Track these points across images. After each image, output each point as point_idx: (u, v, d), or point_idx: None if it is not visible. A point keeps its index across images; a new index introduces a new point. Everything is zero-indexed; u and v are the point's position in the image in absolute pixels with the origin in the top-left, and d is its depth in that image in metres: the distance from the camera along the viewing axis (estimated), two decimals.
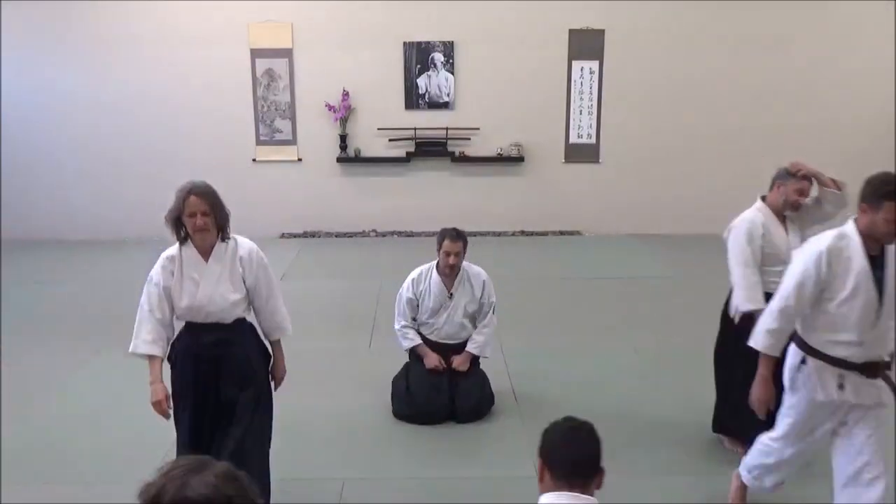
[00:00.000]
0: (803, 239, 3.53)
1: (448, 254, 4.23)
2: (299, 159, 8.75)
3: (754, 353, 3.14)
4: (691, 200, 8.90)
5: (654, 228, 8.89)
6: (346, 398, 4.59)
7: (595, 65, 8.61)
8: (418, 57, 8.54)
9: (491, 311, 4.41)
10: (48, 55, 8.40)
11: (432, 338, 4.40)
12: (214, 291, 3.18)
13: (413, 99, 8.63)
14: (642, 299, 6.60)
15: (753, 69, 8.59)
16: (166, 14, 8.35)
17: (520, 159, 8.73)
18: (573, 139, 8.78)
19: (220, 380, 3.24)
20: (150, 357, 3.19)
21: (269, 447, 3.41)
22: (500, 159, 8.73)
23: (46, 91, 8.47)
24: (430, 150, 8.67)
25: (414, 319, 4.42)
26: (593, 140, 8.79)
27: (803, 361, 3.02)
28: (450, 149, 8.67)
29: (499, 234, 8.91)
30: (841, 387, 2.95)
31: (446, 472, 3.80)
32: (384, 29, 8.46)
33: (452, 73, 8.58)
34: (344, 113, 8.51)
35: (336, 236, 8.89)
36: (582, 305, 6.49)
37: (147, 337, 3.19)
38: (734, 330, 3.77)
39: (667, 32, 8.52)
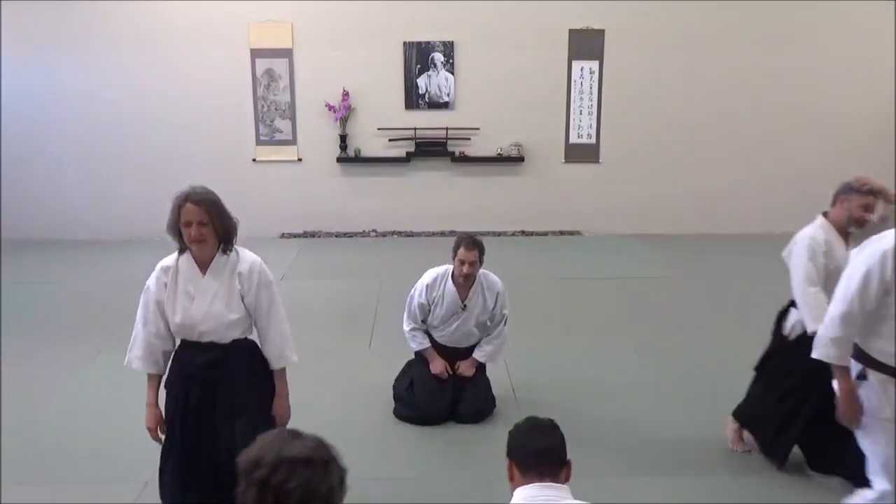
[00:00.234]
0: None
1: (463, 262, 4.05)
2: (299, 159, 8.75)
3: (808, 370, 2.97)
4: (691, 200, 8.91)
5: (654, 228, 8.89)
6: (345, 398, 4.59)
7: (595, 65, 8.61)
8: (418, 57, 8.54)
9: (503, 323, 4.28)
10: (48, 55, 8.41)
11: (440, 341, 4.34)
12: (209, 309, 2.92)
13: (413, 99, 8.63)
14: (642, 299, 6.60)
15: (753, 69, 8.59)
16: (166, 14, 8.35)
17: (520, 159, 8.73)
18: (573, 139, 8.78)
19: (215, 411, 2.98)
20: (147, 374, 3.02)
21: None
22: (500, 159, 8.73)
23: (46, 91, 8.47)
24: (430, 150, 8.67)
25: (423, 321, 4.32)
26: (593, 140, 8.79)
27: (863, 376, 2.72)
28: (450, 149, 8.67)
29: (499, 234, 8.91)
30: None
31: (446, 472, 3.81)
32: (384, 29, 8.46)
33: (452, 73, 8.58)
34: (344, 113, 8.51)
35: (336, 236, 8.89)
36: (582, 305, 6.49)
37: (139, 352, 3.00)
38: (787, 346, 3.68)
39: (667, 32, 8.52)
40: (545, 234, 8.95)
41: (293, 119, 8.65)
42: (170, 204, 2.92)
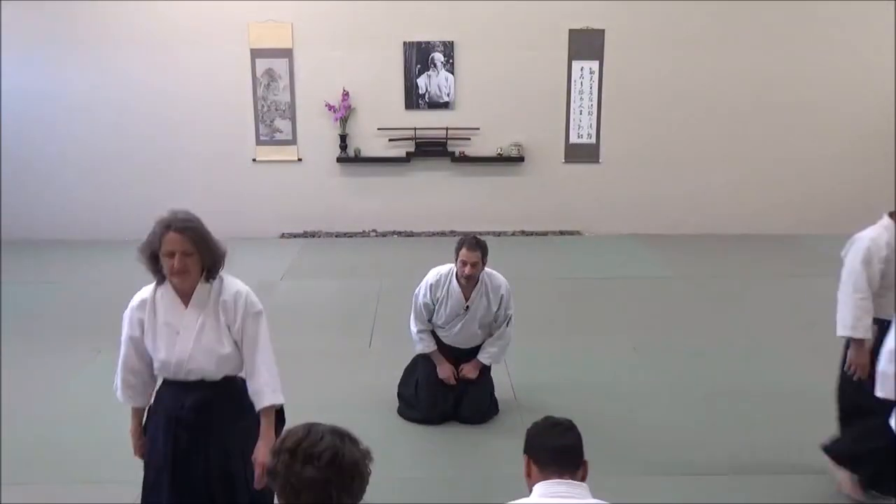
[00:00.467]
0: None
1: (465, 263, 3.99)
2: (299, 159, 8.75)
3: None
4: (691, 200, 8.91)
5: (654, 228, 8.89)
6: (346, 398, 4.58)
7: (595, 65, 8.61)
8: (418, 57, 8.53)
9: (506, 324, 4.23)
10: (48, 55, 8.41)
11: (445, 341, 4.31)
12: (198, 343, 2.61)
13: (413, 99, 8.62)
14: (642, 299, 6.60)
15: (753, 69, 8.59)
16: (166, 14, 8.35)
17: (520, 159, 8.73)
18: (573, 139, 8.78)
19: (208, 459, 2.66)
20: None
21: None
22: (500, 159, 8.73)
23: (46, 91, 8.47)
24: (430, 150, 8.67)
25: (429, 321, 4.27)
26: (593, 140, 8.79)
27: None
28: (450, 149, 8.67)
29: (499, 234, 8.91)
30: None
31: (448, 472, 3.80)
32: (384, 29, 8.46)
33: (452, 73, 8.58)
34: (344, 113, 8.51)
35: (336, 236, 8.89)
36: (582, 305, 6.49)
37: (119, 384, 2.75)
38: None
39: (667, 32, 8.52)
40: (545, 234, 8.95)
41: (293, 119, 8.65)
42: (156, 219, 2.68)
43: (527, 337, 5.58)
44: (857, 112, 8.68)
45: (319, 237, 8.87)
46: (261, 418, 2.68)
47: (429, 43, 8.52)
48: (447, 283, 4.15)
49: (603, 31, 8.54)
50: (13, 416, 4.33)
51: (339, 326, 5.97)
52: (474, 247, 4.01)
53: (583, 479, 2.18)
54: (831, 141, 8.78)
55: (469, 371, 4.28)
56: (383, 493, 3.59)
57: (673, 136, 8.76)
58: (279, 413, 2.75)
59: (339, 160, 8.70)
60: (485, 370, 4.35)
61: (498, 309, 4.18)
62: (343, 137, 8.62)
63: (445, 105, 8.64)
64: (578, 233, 8.98)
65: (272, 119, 8.65)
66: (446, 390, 4.25)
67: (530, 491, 2.17)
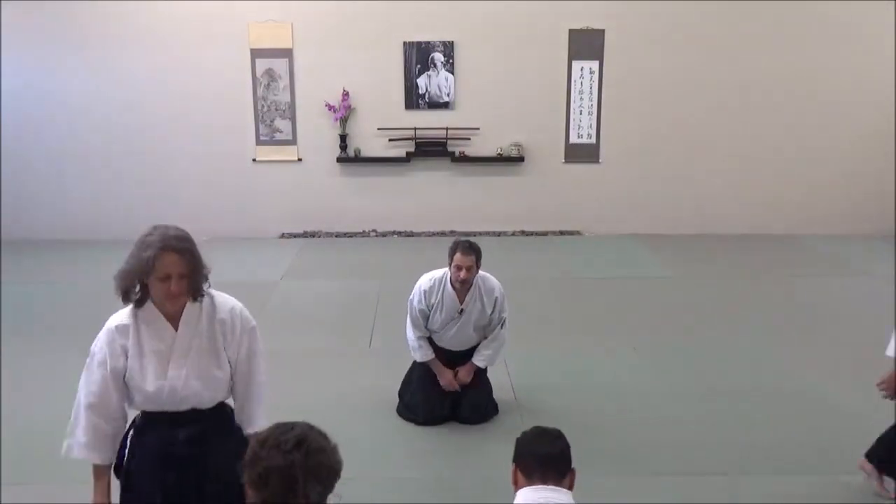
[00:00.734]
0: None
1: (459, 267, 3.97)
2: (299, 159, 8.75)
3: None
4: (691, 200, 8.91)
5: (654, 228, 8.90)
6: (346, 398, 4.58)
7: (595, 65, 8.61)
8: (418, 57, 8.54)
9: (500, 326, 4.22)
10: (48, 55, 8.41)
11: (440, 344, 4.30)
12: (192, 368, 2.37)
13: (413, 99, 8.63)
14: (642, 299, 6.60)
15: (753, 69, 8.59)
16: (166, 14, 8.35)
17: (520, 159, 8.73)
18: (573, 139, 8.78)
19: (202, 495, 2.42)
20: (94, 465, 2.40)
21: None
22: (500, 159, 8.73)
23: (46, 91, 8.47)
24: (430, 150, 8.67)
25: (425, 327, 4.26)
26: (593, 140, 8.79)
27: None
28: (450, 149, 8.67)
29: (499, 234, 8.91)
30: None
31: (446, 472, 3.80)
32: (384, 29, 8.46)
33: (452, 73, 8.58)
34: (344, 113, 8.51)
35: (336, 236, 8.89)
36: (582, 305, 6.49)
37: (83, 438, 2.37)
38: None
39: (667, 32, 8.52)
40: (545, 234, 8.95)
41: (293, 119, 8.65)
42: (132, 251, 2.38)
43: (527, 337, 5.59)
44: (857, 112, 8.68)
45: (319, 237, 8.87)
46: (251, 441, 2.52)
47: (429, 43, 8.53)
48: (441, 288, 4.12)
49: (603, 31, 8.54)
50: (13, 416, 4.33)
51: (339, 326, 5.97)
52: (468, 251, 3.99)
53: (569, 488, 2.19)
54: (832, 141, 8.78)
55: (465, 375, 4.27)
56: (383, 493, 3.61)
57: (673, 136, 8.76)
58: None
59: (339, 160, 8.70)
60: (481, 371, 4.34)
61: (492, 312, 4.17)
62: (343, 137, 8.62)
63: (445, 105, 8.64)
64: (578, 233, 8.98)
65: (272, 119, 8.66)
66: (443, 396, 4.25)
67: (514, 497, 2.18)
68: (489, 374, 4.48)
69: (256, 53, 8.50)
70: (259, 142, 8.71)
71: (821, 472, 3.76)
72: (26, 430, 4.19)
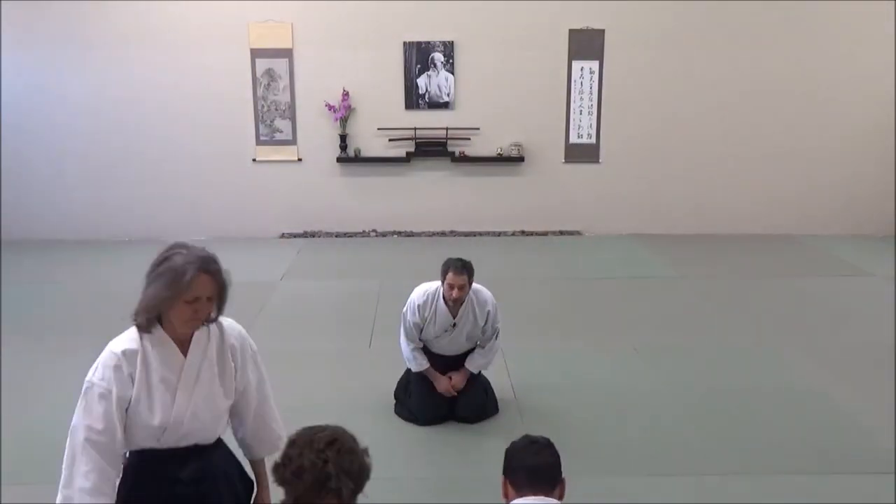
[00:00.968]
0: None
1: (452, 287, 4.01)
2: (299, 159, 8.75)
3: None
4: (691, 200, 8.91)
5: (654, 228, 8.90)
6: (346, 398, 4.58)
7: (595, 65, 8.61)
8: (418, 57, 8.54)
9: (494, 337, 4.27)
10: (48, 55, 8.41)
11: (431, 349, 4.33)
12: (199, 398, 2.17)
13: (413, 99, 8.63)
14: (642, 299, 6.60)
15: (753, 69, 8.59)
16: (166, 14, 8.35)
17: (520, 159, 8.73)
18: (573, 139, 8.78)
19: None
20: None
21: None
22: (500, 159, 8.73)
23: (46, 91, 8.47)
24: (430, 150, 8.67)
25: (420, 340, 4.30)
26: (593, 140, 8.79)
27: None
28: (450, 149, 8.67)
29: (499, 234, 8.91)
30: None
31: (446, 472, 3.80)
32: (384, 29, 8.46)
33: (452, 73, 8.58)
34: (344, 113, 8.51)
35: (336, 236, 8.89)
36: (582, 305, 6.49)
37: (85, 483, 2.07)
38: None
39: (667, 32, 8.52)
40: (545, 234, 8.95)
41: (293, 119, 8.65)
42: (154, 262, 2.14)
43: (527, 337, 5.59)
44: (857, 112, 8.68)
45: (319, 237, 8.87)
46: (257, 469, 2.42)
47: (429, 43, 8.53)
48: (434, 303, 4.15)
49: (603, 31, 8.54)
50: (13, 416, 4.33)
51: (339, 326, 5.97)
52: (461, 270, 4.01)
53: (560, 498, 2.18)
54: (832, 141, 8.78)
55: (459, 381, 4.29)
56: (382, 493, 3.60)
57: (673, 136, 8.76)
58: None
59: (339, 160, 8.70)
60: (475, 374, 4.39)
61: (485, 324, 4.21)
62: (343, 137, 8.62)
63: (445, 105, 8.64)
64: (578, 233, 8.98)
65: (272, 119, 8.66)
66: (442, 397, 4.26)
67: None
68: (488, 375, 4.48)
69: (256, 53, 8.50)
70: (259, 142, 8.71)
71: (821, 472, 3.76)
72: (26, 430, 4.19)
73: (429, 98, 8.63)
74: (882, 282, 7.06)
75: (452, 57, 8.54)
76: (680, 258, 7.93)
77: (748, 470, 3.77)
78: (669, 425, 4.25)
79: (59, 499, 2.11)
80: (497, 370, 4.76)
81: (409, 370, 4.41)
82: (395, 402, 4.43)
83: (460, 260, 4.08)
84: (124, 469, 2.21)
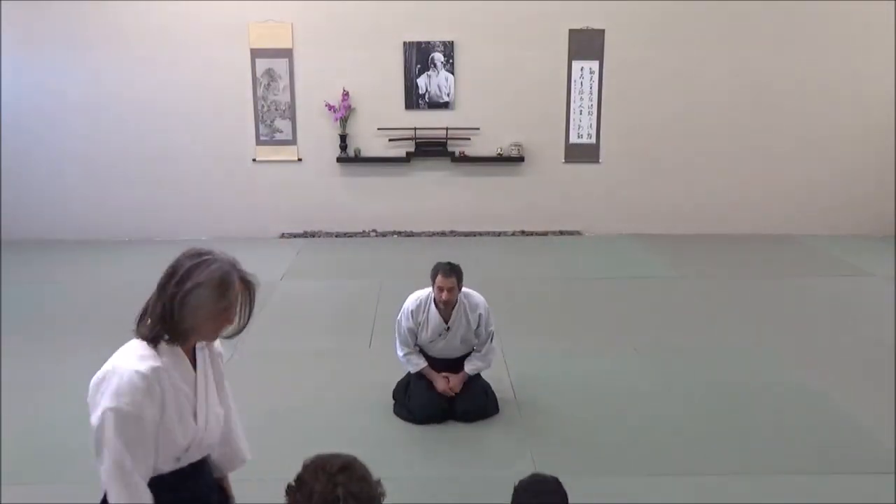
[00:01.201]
0: None
1: (441, 289, 4.12)
2: (299, 159, 8.75)
3: None
4: (691, 200, 8.91)
5: (654, 228, 8.90)
6: (346, 398, 4.58)
7: (595, 65, 8.61)
8: (418, 57, 8.54)
9: (489, 340, 4.32)
10: (48, 55, 8.41)
11: (428, 353, 4.38)
12: (209, 410, 2.10)
13: (413, 99, 8.63)
14: (642, 299, 6.60)
15: (753, 69, 8.59)
16: (166, 14, 8.35)
17: (520, 159, 8.73)
18: (573, 139, 8.78)
19: None
20: None
21: None
22: (500, 159, 8.73)
23: (46, 91, 8.47)
24: (430, 150, 8.67)
25: (415, 345, 4.37)
26: (593, 140, 8.79)
27: None
28: (450, 149, 8.67)
29: (499, 234, 8.92)
30: None
31: (446, 472, 3.80)
32: (384, 29, 8.46)
33: (452, 73, 8.58)
34: (344, 113, 8.51)
35: (336, 236, 8.89)
36: (582, 305, 6.49)
37: None
38: None
39: (667, 32, 8.52)
40: (545, 234, 8.95)
41: (293, 119, 8.65)
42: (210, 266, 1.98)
43: (527, 337, 5.59)
44: (857, 112, 8.68)
45: (319, 237, 8.88)
46: (227, 483, 2.33)
47: (429, 43, 8.53)
48: (426, 307, 4.24)
49: (603, 31, 8.54)
50: (13, 416, 4.33)
51: (339, 326, 5.97)
52: (449, 273, 4.11)
53: None
54: (832, 141, 8.78)
55: (456, 383, 4.32)
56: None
57: (673, 136, 8.76)
58: None
59: (339, 160, 8.70)
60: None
61: (478, 327, 4.27)
62: (343, 137, 8.62)
63: (445, 105, 8.65)
64: (578, 233, 8.98)
65: (272, 119, 8.66)
66: (439, 397, 4.27)
67: None
68: (488, 375, 4.49)
69: (256, 53, 8.50)
70: (259, 142, 8.71)
71: (821, 472, 3.76)
72: (26, 430, 4.19)
73: (429, 98, 8.63)
74: (882, 282, 7.06)
75: (452, 57, 8.54)
76: (680, 258, 7.93)
77: (748, 470, 3.77)
78: (669, 425, 4.25)
79: None
80: (497, 370, 4.76)
81: (404, 384, 4.44)
82: (394, 402, 4.44)
83: (448, 263, 4.18)
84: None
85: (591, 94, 8.68)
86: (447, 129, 8.61)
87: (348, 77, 8.52)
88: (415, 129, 8.62)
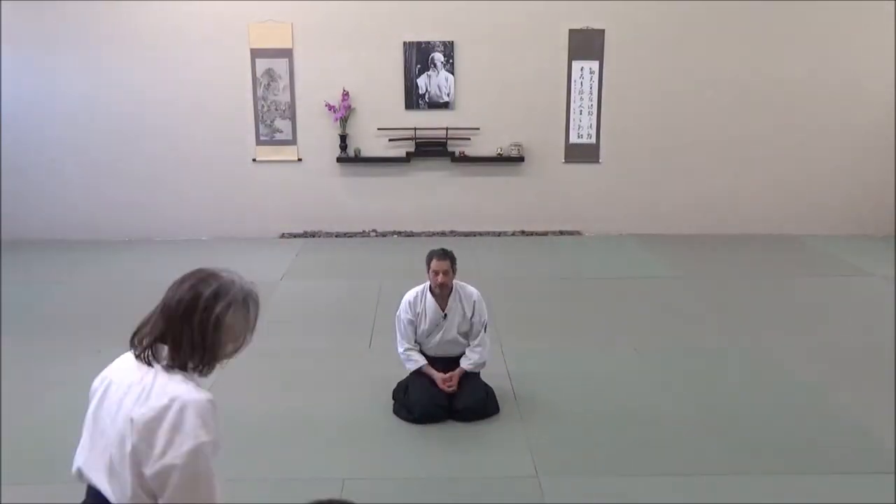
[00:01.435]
0: None
1: (437, 272, 4.26)
2: (299, 159, 8.75)
3: None
4: (691, 200, 8.91)
5: (654, 228, 8.90)
6: (346, 398, 4.58)
7: (595, 65, 8.61)
8: (418, 57, 8.54)
9: (483, 331, 4.40)
10: (48, 55, 8.41)
11: (429, 353, 4.42)
12: None
13: (413, 99, 8.63)
14: (642, 299, 6.60)
15: (753, 69, 8.59)
16: (166, 14, 8.35)
17: (520, 159, 8.73)
18: (573, 139, 8.78)
19: None
20: None
21: None
22: (500, 159, 8.73)
23: (46, 91, 8.47)
24: (430, 150, 8.67)
25: (416, 341, 4.42)
26: (593, 140, 8.79)
27: None
28: (450, 149, 8.67)
29: (499, 234, 8.91)
30: None
31: (446, 472, 3.80)
32: (384, 29, 8.46)
33: (452, 73, 8.58)
34: (344, 113, 8.51)
35: (336, 236, 8.89)
36: (582, 305, 6.49)
37: None
38: None
39: (667, 32, 8.52)
40: (545, 234, 8.95)
41: (293, 119, 8.65)
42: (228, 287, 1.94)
43: (526, 337, 5.59)
44: (857, 112, 8.68)
45: (319, 237, 8.88)
46: None
47: (429, 43, 8.53)
48: (423, 297, 4.38)
49: (603, 31, 8.54)
50: (13, 416, 4.33)
51: (339, 326, 5.97)
52: (443, 256, 4.29)
53: None
54: (832, 141, 8.78)
55: (455, 379, 4.34)
56: (383, 493, 3.61)
57: (673, 136, 8.76)
58: None
59: (339, 160, 8.70)
60: (473, 373, 4.43)
61: (472, 315, 4.37)
62: (343, 137, 8.62)
63: (445, 105, 8.65)
64: (578, 233, 8.98)
65: (272, 119, 8.66)
66: (439, 395, 4.28)
67: None
68: (486, 377, 4.49)
69: (256, 53, 8.50)
70: (259, 142, 8.71)
71: (821, 472, 3.76)
72: (26, 430, 4.19)
73: (429, 98, 8.63)
74: (882, 282, 7.06)
75: (452, 57, 8.54)
76: (680, 258, 7.93)
77: (748, 470, 3.77)
78: (669, 425, 4.25)
79: None
80: (497, 370, 4.77)
81: (409, 375, 4.44)
82: (393, 402, 4.44)
83: (441, 248, 4.39)
84: None
85: (591, 94, 8.68)
86: (447, 129, 8.61)
87: (348, 77, 8.52)
88: (415, 129, 8.62)
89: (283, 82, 8.57)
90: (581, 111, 8.72)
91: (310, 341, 5.61)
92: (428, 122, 8.63)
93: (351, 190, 8.85)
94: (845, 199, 8.89)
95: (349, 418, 4.33)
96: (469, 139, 8.67)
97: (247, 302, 1.93)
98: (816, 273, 7.49)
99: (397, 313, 4.44)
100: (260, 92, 8.59)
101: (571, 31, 8.54)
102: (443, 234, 8.86)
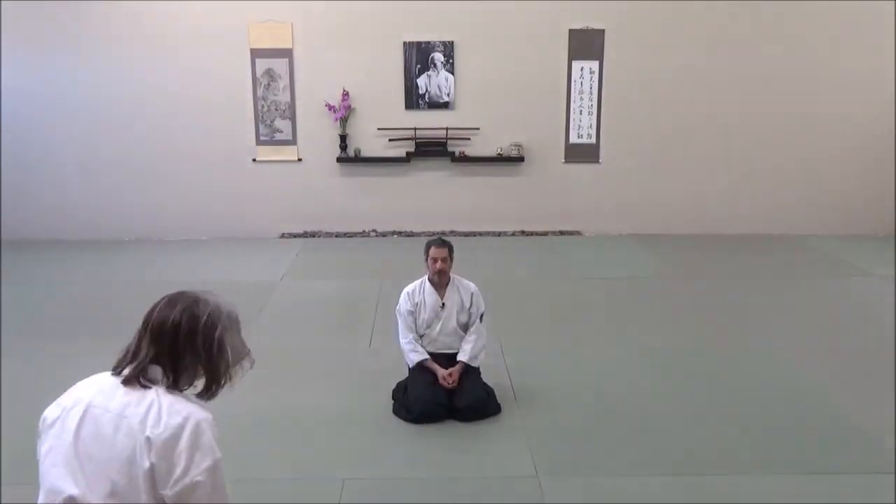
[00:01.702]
0: None
1: (435, 260, 4.34)
2: (299, 159, 8.75)
3: None
4: (691, 200, 8.91)
5: (655, 228, 8.90)
6: (346, 398, 4.59)
7: (595, 65, 8.61)
8: (418, 57, 8.54)
9: (479, 320, 4.44)
10: (48, 55, 8.41)
11: (429, 349, 4.42)
12: None
13: (413, 99, 8.63)
14: (643, 299, 6.60)
15: (753, 69, 8.59)
16: (166, 14, 8.35)
17: (520, 159, 8.73)
18: (573, 139, 8.78)
19: None
20: None
21: None
22: (500, 159, 8.73)
23: (46, 91, 8.47)
24: (430, 150, 8.67)
25: (418, 334, 4.45)
26: (593, 140, 8.79)
27: None
28: (450, 149, 8.67)
29: (499, 234, 8.92)
30: None
31: (446, 472, 3.80)
32: (384, 29, 8.46)
33: (452, 73, 8.58)
34: (344, 113, 8.51)
35: (336, 236, 8.89)
36: (582, 305, 6.49)
37: None
38: None
39: (667, 32, 8.52)
40: (545, 234, 8.95)
41: (293, 119, 8.65)
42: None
43: (526, 337, 5.59)
44: (857, 112, 8.68)
45: (319, 237, 8.88)
46: None
47: (429, 43, 8.53)
48: (422, 288, 4.46)
49: (603, 31, 8.54)
50: (13, 416, 4.33)
51: (339, 326, 5.97)
52: (441, 245, 4.40)
53: None
54: (832, 141, 8.78)
55: (455, 374, 4.35)
56: (383, 493, 3.61)
57: (673, 135, 8.76)
58: None
59: (339, 160, 8.70)
60: (473, 370, 4.43)
61: (470, 306, 4.45)
62: (343, 137, 8.62)
63: (445, 105, 8.65)
64: (578, 233, 8.98)
65: (272, 119, 8.66)
66: (439, 394, 4.28)
67: None
68: (487, 371, 4.50)
69: (256, 53, 8.50)
70: (259, 142, 8.71)
71: (821, 472, 3.76)
72: (26, 430, 4.18)
73: (429, 98, 8.63)
74: (882, 282, 7.06)
75: (452, 57, 8.54)
76: (680, 258, 7.93)
77: (748, 470, 3.77)
78: (669, 425, 4.25)
79: None
80: (497, 370, 4.77)
81: (408, 375, 4.44)
82: (393, 402, 4.44)
83: (439, 237, 4.55)
84: None
85: (591, 94, 8.68)
86: (447, 129, 8.61)
87: (348, 77, 8.52)
88: (415, 129, 8.62)
89: (283, 82, 8.57)
90: (581, 111, 8.72)
91: (310, 341, 5.61)
92: (428, 122, 8.63)
93: (351, 190, 8.85)
94: (845, 199, 8.88)
95: (349, 418, 4.33)
96: (469, 139, 8.67)
97: (238, 322, 1.95)
98: (816, 273, 7.49)
99: (397, 307, 4.47)
100: (260, 92, 8.59)
101: (571, 31, 8.54)
102: (443, 234, 8.84)
